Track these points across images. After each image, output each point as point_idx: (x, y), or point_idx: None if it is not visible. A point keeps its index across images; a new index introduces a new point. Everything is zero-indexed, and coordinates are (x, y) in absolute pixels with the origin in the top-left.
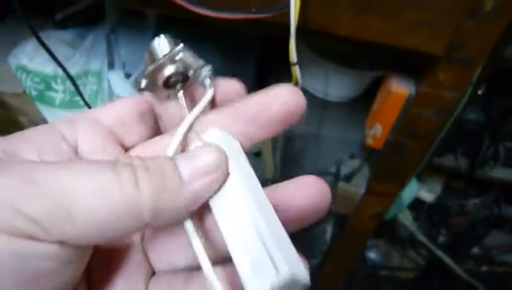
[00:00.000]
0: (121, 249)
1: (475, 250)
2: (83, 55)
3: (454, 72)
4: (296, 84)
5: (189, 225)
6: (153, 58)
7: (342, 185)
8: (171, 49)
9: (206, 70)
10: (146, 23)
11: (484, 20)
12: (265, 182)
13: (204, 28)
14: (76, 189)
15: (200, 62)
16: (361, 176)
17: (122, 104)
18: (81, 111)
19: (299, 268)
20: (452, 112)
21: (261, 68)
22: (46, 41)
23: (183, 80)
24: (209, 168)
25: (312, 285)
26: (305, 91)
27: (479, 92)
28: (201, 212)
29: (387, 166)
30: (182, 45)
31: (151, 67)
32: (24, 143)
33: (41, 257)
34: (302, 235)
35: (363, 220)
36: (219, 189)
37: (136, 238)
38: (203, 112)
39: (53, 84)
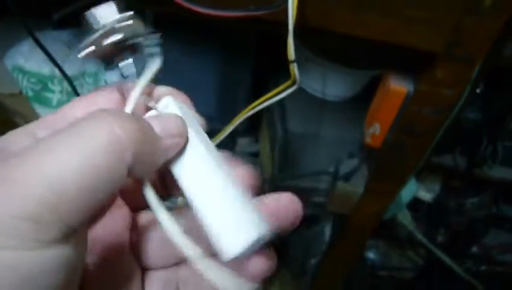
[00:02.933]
0: (110, 256)
1: (474, 249)
2: None
3: (453, 69)
4: (294, 82)
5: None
6: (91, 25)
7: (340, 184)
8: (120, 16)
9: (155, 39)
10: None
11: (483, 16)
12: (263, 182)
13: (202, 30)
14: (56, 155)
15: (149, 30)
16: (360, 175)
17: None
18: None
19: (264, 226)
20: (451, 110)
21: (259, 69)
22: (42, 42)
23: (131, 48)
24: (176, 131)
25: (311, 285)
26: (303, 91)
27: (477, 91)
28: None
29: (386, 165)
30: (131, 12)
31: (97, 34)
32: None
33: (48, 266)
34: (301, 235)
35: (362, 219)
36: (181, 154)
37: (124, 243)
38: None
39: (50, 84)
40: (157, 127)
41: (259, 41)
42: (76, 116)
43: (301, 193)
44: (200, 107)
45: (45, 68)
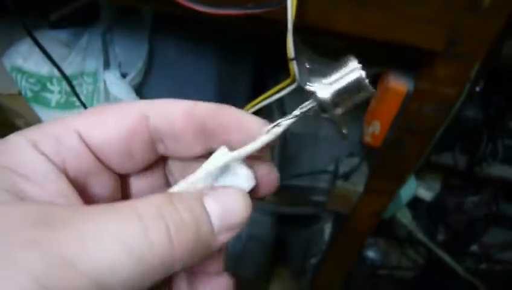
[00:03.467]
0: None
1: (474, 248)
2: (79, 55)
3: (453, 68)
4: (294, 80)
5: None
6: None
7: (340, 183)
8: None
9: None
10: (142, 22)
11: (483, 15)
12: None
13: (201, 29)
14: (109, 261)
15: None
16: (359, 174)
17: (117, 128)
18: (77, 112)
19: None
20: (451, 108)
21: (259, 68)
22: (41, 41)
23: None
24: (239, 224)
25: (311, 284)
26: (303, 89)
27: (477, 89)
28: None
29: (386, 163)
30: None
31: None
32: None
33: None
34: (301, 234)
35: (362, 218)
36: None
37: None
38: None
39: (48, 84)
40: (217, 221)
41: (259, 39)
42: (79, 128)
43: (301, 192)
44: None
45: (44, 68)
